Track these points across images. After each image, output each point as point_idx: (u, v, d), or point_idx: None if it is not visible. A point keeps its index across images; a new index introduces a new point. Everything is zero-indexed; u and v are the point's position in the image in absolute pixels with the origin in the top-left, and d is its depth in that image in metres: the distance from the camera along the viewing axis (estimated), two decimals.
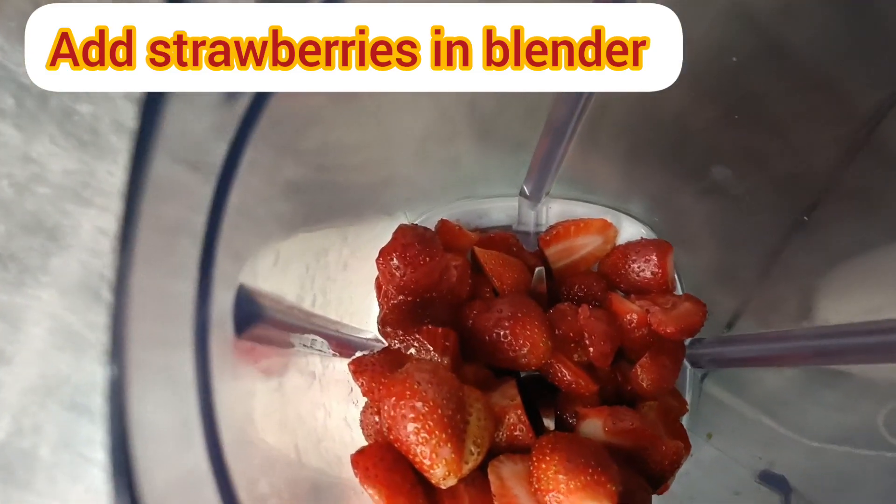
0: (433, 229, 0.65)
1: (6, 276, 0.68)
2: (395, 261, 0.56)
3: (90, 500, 0.66)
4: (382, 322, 0.58)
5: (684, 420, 0.64)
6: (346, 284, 0.56)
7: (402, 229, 0.58)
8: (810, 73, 0.48)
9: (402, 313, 0.59)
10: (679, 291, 0.67)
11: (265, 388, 0.37)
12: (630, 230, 0.68)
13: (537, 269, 0.64)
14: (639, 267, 0.64)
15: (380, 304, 0.62)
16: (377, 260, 0.56)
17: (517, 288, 0.62)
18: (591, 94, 0.51)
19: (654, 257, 0.64)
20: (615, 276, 0.66)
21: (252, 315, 0.31)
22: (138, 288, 0.22)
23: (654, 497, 0.55)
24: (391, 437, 0.48)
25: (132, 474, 0.22)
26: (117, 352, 0.22)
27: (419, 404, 0.47)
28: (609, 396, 0.62)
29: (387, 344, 0.57)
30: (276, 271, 0.39)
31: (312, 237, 0.49)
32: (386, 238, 0.57)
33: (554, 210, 0.68)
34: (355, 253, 0.57)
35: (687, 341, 0.64)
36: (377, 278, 0.62)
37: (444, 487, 0.48)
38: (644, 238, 0.67)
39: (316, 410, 0.48)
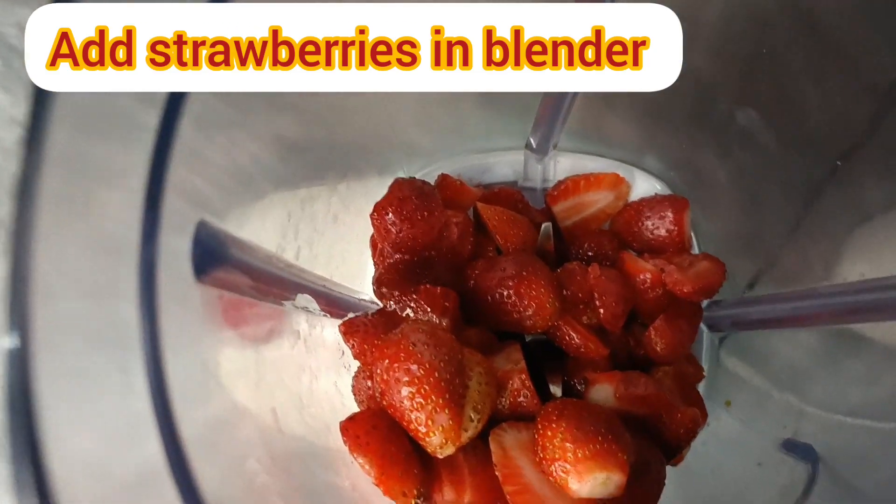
0: (433, 183, 0.60)
1: None
2: (391, 216, 0.52)
3: None
4: (378, 282, 0.55)
5: (701, 388, 0.60)
6: (336, 239, 0.52)
7: (398, 182, 0.54)
8: (841, 26, 0.44)
9: (398, 273, 0.55)
10: (696, 251, 0.62)
11: (237, 345, 0.34)
12: (644, 186, 0.63)
13: (544, 226, 0.60)
14: (653, 224, 0.60)
15: (375, 264, 0.58)
16: (371, 215, 0.52)
17: (523, 246, 0.58)
18: None
19: (669, 214, 0.59)
20: (628, 235, 0.62)
21: (215, 255, 0.27)
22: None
23: (671, 470, 0.52)
24: (384, 402, 0.45)
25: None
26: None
27: (414, 367, 0.43)
28: (621, 362, 0.58)
29: (382, 306, 0.53)
30: (253, 215, 0.35)
31: (298, 184, 0.44)
32: (381, 193, 0.53)
33: (563, 165, 0.64)
34: (347, 206, 0.53)
35: (704, 303, 0.60)
36: (372, 236, 0.58)
37: (440, 456, 0.44)
38: (659, 194, 0.63)
39: (300, 374, 0.44)
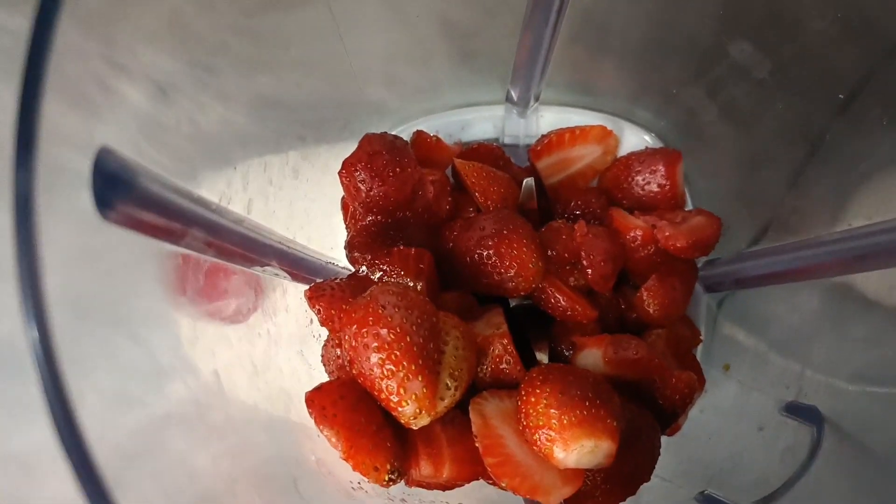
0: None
1: None
2: (361, 173, 0.49)
3: None
4: (349, 246, 0.51)
5: (698, 353, 0.57)
6: (298, 196, 0.48)
7: (368, 138, 0.50)
8: None
9: (371, 235, 0.51)
10: (689, 208, 0.58)
11: (163, 299, 0.30)
12: (633, 139, 0.59)
13: (525, 181, 0.56)
14: (644, 179, 0.56)
15: (347, 228, 0.54)
16: (340, 172, 0.49)
17: (504, 205, 0.54)
18: None
19: (661, 167, 0.56)
20: (617, 191, 0.58)
21: (121, 185, 0.23)
22: None
23: (667, 440, 0.48)
24: (354, 371, 0.41)
25: None
26: None
27: (384, 331, 0.40)
28: (611, 326, 0.54)
29: (354, 271, 0.49)
30: (183, 157, 0.31)
31: (240, 127, 0.40)
32: (350, 151, 0.49)
33: (546, 119, 0.60)
34: (312, 161, 0.49)
35: (700, 262, 0.56)
36: (343, 198, 0.54)
37: (415, 428, 0.41)
38: (649, 147, 0.59)
39: (255, 338, 0.40)
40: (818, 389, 0.46)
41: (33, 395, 0.21)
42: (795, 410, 0.44)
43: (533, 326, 0.54)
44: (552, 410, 0.39)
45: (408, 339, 0.40)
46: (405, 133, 0.59)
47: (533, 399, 0.41)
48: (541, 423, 0.40)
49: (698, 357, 0.56)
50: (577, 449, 0.39)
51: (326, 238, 0.53)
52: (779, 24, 0.44)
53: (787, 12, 0.43)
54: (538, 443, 0.40)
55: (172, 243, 0.29)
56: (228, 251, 0.35)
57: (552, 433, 0.39)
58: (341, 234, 0.54)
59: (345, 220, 0.54)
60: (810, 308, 0.52)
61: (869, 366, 0.46)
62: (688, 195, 0.58)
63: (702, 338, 0.56)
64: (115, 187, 0.23)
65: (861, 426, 0.43)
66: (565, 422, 0.39)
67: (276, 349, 0.42)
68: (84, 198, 0.21)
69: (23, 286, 0.19)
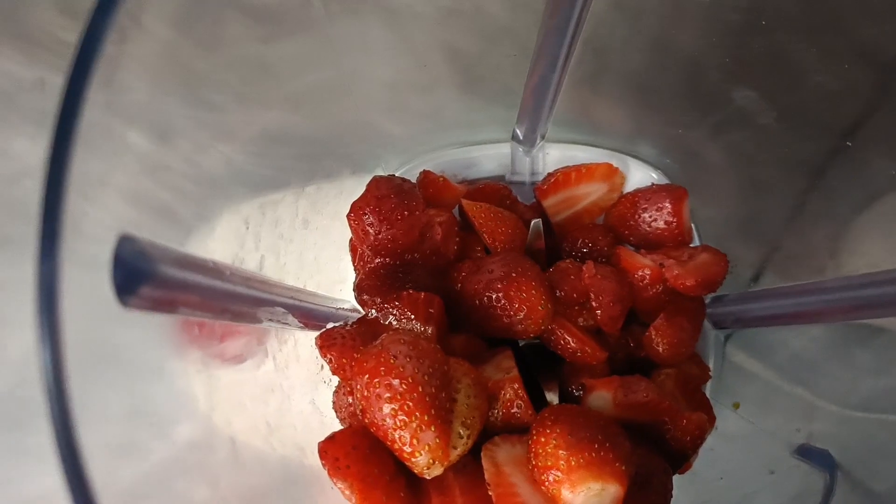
0: (414, 181, 0.57)
1: None
2: (369, 216, 0.49)
3: None
4: (358, 289, 0.51)
5: (707, 389, 0.57)
6: (308, 246, 0.49)
7: (376, 181, 0.51)
8: None
9: (380, 278, 0.51)
10: (696, 243, 0.59)
11: (181, 373, 0.30)
12: (639, 175, 0.60)
13: (533, 222, 0.56)
14: (650, 216, 0.56)
15: (356, 270, 0.54)
16: (348, 216, 0.49)
17: (512, 245, 0.54)
18: (583, 11, 0.43)
19: (667, 204, 0.56)
20: (624, 229, 0.58)
21: (141, 274, 0.23)
22: None
23: (677, 478, 0.48)
24: (366, 420, 0.41)
25: None
26: None
27: (396, 381, 0.40)
28: (620, 365, 0.54)
29: (364, 314, 0.50)
30: (197, 224, 0.31)
31: (255, 187, 0.41)
32: (357, 193, 0.49)
33: (552, 156, 0.60)
34: (320, 209, 0.49)
35: (707, 299, 0.57)
36: (351, 240, 0.54)
37: (428, 477, 0.41)
38: (655, 184, 0.59)
39: (267, 395, 0.40)
40: (828, 427, 0.46)
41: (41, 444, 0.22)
42: (808, 454, 0.44)
43: (542, 366, 0.54)
44: (561, 451, 0.40)
45: (420, 389, 0.40)
46: (412, 173, 0.59)
47: (543, 440, 0.41)
48: (549, 464, 0.40)
49: (707, 393, 0.56)
50: (583, 491, 0.39)
51: (336, 281, 0.53)
52: (781, 73, 0.45)
53: (790, 64, 0.44)
54: (546, 483, 0.40)
55: (189, 315, 0.29)
56: (240, 313, 0.36)
57: (560, 474, 0.39)
58: (350, 275, 0.55)
59: (353, 262, 0.55)
60: (817, 336, 0.52)
61: (877, 395, 0.46)
62: (695, 231, 0.58)
63: (711, 374, 0.56)
64: (135, 278, 0.23)
65: (872, 465, 0.43)
66: (573, 463, 0.39)
67: (289, 403, 0.43)
68: (94, 251, 0.22)
69: (41, 336, 0.19)
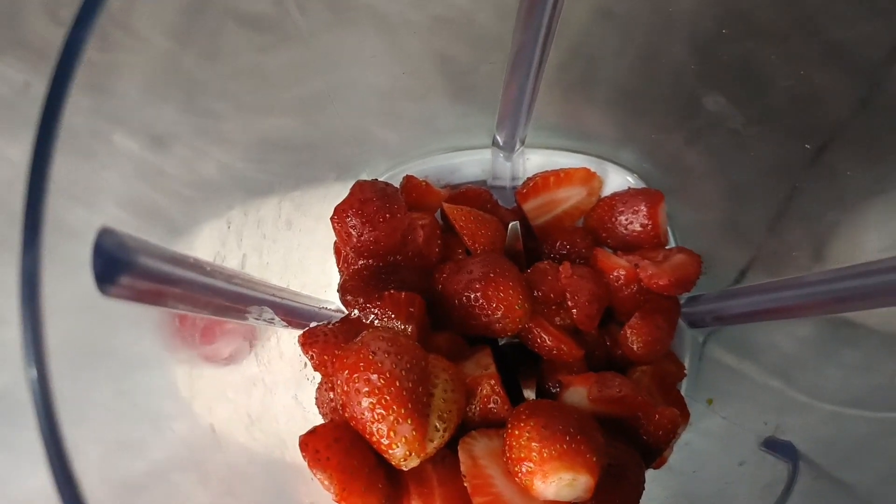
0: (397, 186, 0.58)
1: None
2: (352, 219, 0.51)
3: None
4: (342, 290, 0.53)
5: (683, 387, 0.58)
6: (293, 247, 0.50)
7: (359, 184, 0.52)
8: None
9: (363, 279, 0.53)
10: (672, 245, 0.60)
11: (164, 362, 0.32)
12: (617, 180, 0.61)
13: (511, 225, 0.58)
14: (626, 219, 0.58)
15: (340, 271, 0.56)
16: (332, 218, 0.51)
17: (492, 247, 0.56)
18: (554, 14, 0.44)
19: (643, 207, 0.57)
20: (602, 231, 0.60)
21: (120, 264, 0.25)
22: None
23: (653, 472, 0.50)
24: (346, 414, 0.43)
25: None
26: None
27: (374, 376, 0.41)
28: (597, 364, 0.56)
29: (348, 314, 0.51)
30: (180, 222, 0.33)
31: (238, 188, 0.42)
32: (342, 197, 0.51)
33: (533, 161, 0.62)
34: (305, 211, 0.51)
35: (683, 299, 0.58)
36: (336, 242, 0.56)
37: (405, 469, 0.42)
38: (632, 188, 0.61)
39: (250, 388, 0.42)
40: (796, 424, 0.48)
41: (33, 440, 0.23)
42: (773, 446, 0.46)
43: (521, 364, 0.55)
44: (534, 444, 0.41)
45: (397, 383, 0.41)
46: (396, 178, 0.60)
47: (517, 432, 0.42)
48: (522, 456, 0.41)
49: (683, 391, 0.58)
50: (555, 481, 0.40)
51: (321, 282, 0.55)
52: (749, 80, 0.46)
53: (756, 70, 0.45)
54: (520, 474, 0.42)
55: (170, 308, 0.31)
56: (224, 308, 0.37)
57: (532, 465, 0.41)
58: (335, 277, 0.56)
59: (338, 264, 0.56)
60: (801, 336, 0.54)
61: (856, 393, 0.47)
62: (670, 233, 0.60)
63: (686, 372, 0.58)
64: (115, 267, 0.24)
65: (843, 459, 0.45)
66: (545, 455, 0.41)
67: (272, 397, 0.44)
68: (85, 252, 0.23)
69: (25, 336, 0.20)
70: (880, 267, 0.38)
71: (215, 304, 0.35)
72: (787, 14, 0.45)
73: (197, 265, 0.33)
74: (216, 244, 0.38)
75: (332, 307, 0.55)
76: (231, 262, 0.39)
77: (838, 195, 0.49)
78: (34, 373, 0.20)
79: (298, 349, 0.47)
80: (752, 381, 0.57)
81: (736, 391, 0.57)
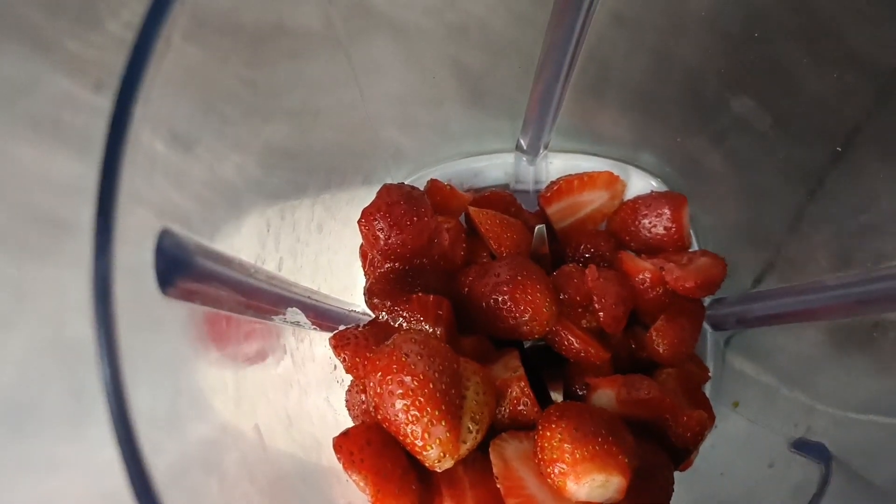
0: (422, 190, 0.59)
1: None
2: (379, 222, 0.51)
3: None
4: (369, 293, 0.53)
5: (707, 389, 0.58)
6: (322, 250, 0.51)
7: (386, 188, 0.53)
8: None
9: (390, 282, 0.53)
10: (695, 248, 0.61)
11: (216, 365, 0.32)
12: (640, 183, 0.62)
13: (537, 228, 0.58)
14: (650, 222, 0.58)
15: (366, 275, 0.56)
16: (359, 221, 0.51)
17: (517, 251, 0.56)
18: (584, 26, 0.45)
19: (666, 211, 0.58)
20: (625, 234, 0.60)
21: (181, 266, 0.25)
22: None
23: (679, 475, 0.50)
24: (379, 416, 0.43)
25: None
26: None
27: (408, 378, 0.42)
28: (623, 365, 0.56)
29: (374, 317, 0.51)
30: (226, 227, 0.33)
31: (277, 194, 0.43)
32: (368, 200, 0.51)
33: (555, 165, 0.63)
34: (333, 215, 0.51)
35: (706, 301, 0.58)
36: (361, 245, 0.56)
37: (439, 470, 0.43)
38: (655, 191, 0.61)
39: (287, 390, 0.42)
40: (826, 423, 0.48)
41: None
42: (803, 447, 0.46)
43: (547, 366, 0.55)
44: (566, 445, 0.41)
45: (431, 385, 0.42)
46: (420, 182, 0.61)
47: (549, 434, 0.43)
48: (555, 457, 0.42)
49: (707, 393, 0.58)
50: (588, 482, 0.41)
51: (347, 286, 0.55)
52: (779, 80, 0.46)
53: (787, 70, 0.46)
54: (552, 476, 0.42)
55: (218, 308, 0.31)
56: (264, 310, 0.38)
57: (565, 467, 0.41)
58: (360, 280, 0.57)
59: (363, 267, 0.57)
60: (817, 340, 0.54)
61: (876, 396, 0.48)
62: (693, 236, 0.60)
63: (710, 374, 0.58)
64: (174, 267, 0.25)
65: (868, 461, 0.45)
66: (578, 456, 0.41)
67: (306, 398, 0.44)
68: (130, 256, 0.23)
69: (99, 340, 0.21)
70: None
71: (255, 305, 0.36)
72: (809, 15, 0.45)
73: (242, 266, 0.33)
74: (257, 247, 0.38)
75: (359, 310, 0.56)
76: (269, 265, 0.40)
77: (861, 197, 0.49)
78: (108, 374, 0.20)
79: (328, 352, 0.48)
80: (774, 382, 0.57)
81: (760, 393, 0.57)
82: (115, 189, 0.21)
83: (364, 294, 0.54)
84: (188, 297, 0.27)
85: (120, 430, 0.20)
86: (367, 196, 0.52)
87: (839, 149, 0.45)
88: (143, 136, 0.24)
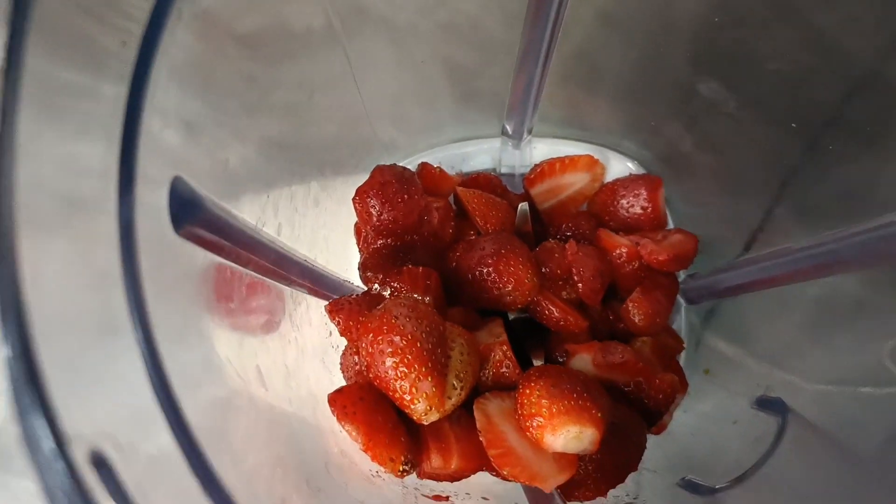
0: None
1: None
2: (372, 199, 0.54)
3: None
4: (363, 267, 0.57)
5: (682, 360, 0.62)
6: (319, 224, 0.54)
7: (379, 168, 0.56)
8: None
9: (382, 257, 0.57)
10: (670, 227, 0.64)
11: (218, 307, 0.35)
12: (618, 167, 0.65)
13: (520, 206, 0.62)
14: (628, 202, 0.62)
15: (360, 251, 0.60)
16: (353, 199, 0.54)
17: (502, 227, 0.60)
18: (560, 11, 0.48)
19: (643, 192, 0.61)
20: (605, 214, 0.64)
21: (192, 209, 0.29)
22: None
23: (655, 437, 0.53)
24: (371, 375, 0.46)
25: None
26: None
27: (397, 338, 0.45)
28: (602, 337, 0.59)
29: (367, 289, 0.55)
30: (228, 186, 0.37)
31: (275, 167, 0.47)
32: (362, 181, 0.55)
33: (539, 150, 0.66)
34: (329, 193, 0.55)
35: (680, 277, 0.62)
36: (356, 223, 0.60)
37: (425, 423, 0.46)
38: (633, 174, 0.65)
39: (286, 346, 0.46)
40: (785, 386, 0.51)
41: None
42: (764, 404, 0.49)
43: (530, 337, 0.59)
44: (543, 400, 0.45)
45: (418, 344, 0.45)
46: (412, 165, 0.65)
47: (528, 391, 0.46)
48: (533, 412, 0.45)
49: (682, 363, 0.61)
50: (563, 434, 0.44)
51: (342, 262, 0.59)
52: (739, 64, 0.50)
53: (746, 54, 0.49)
54: (531, 429, 0.45)
55: (223, 258, 0.34)
56: (265, 268, 0.41)
57: (542, 420, 0.45)
58: (355, 258, 0.60)
59: (358, 243, 0.60)
60: (796, 321, 0.57)
61: (844, 372, 0.50)
62: (669, 216, 0.64)
63: (685, 346, 0.62)
64: (186, 210, 0.28)
65: (824, 416, 0.48)
66: (554, 410, 0.44)
67: (303, 357, 0.48)
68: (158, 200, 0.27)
69: (129, 298, 0.24)
70: (858, 230, 0.42)
71: (257, 262, 0.39)
72: (773, 2, 0.48)
73: (247, 224, 0.37)
74: (257, 211, 0.42)
75: (354, 284, 0.59)
76: (269, 230, 0.43)
77: (834, 179, 0.52)
78: (141, 337, 0.23)
79: (324, 318, 0.51)
80: (746, 356, 0.60)
81: (731, 364, 0.60)
82: (137, 135, 0.25)
83: (358, 269, 0.57)
84: (198, 241, 0.30)
85: (144, 346, 0.24)
86: (362, 178, 0.55)
87: (793, 125, 0.48)
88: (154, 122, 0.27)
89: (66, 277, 0.22)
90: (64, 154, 0.23)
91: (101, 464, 0.21)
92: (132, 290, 0.25)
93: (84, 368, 0.22)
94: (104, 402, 0.22)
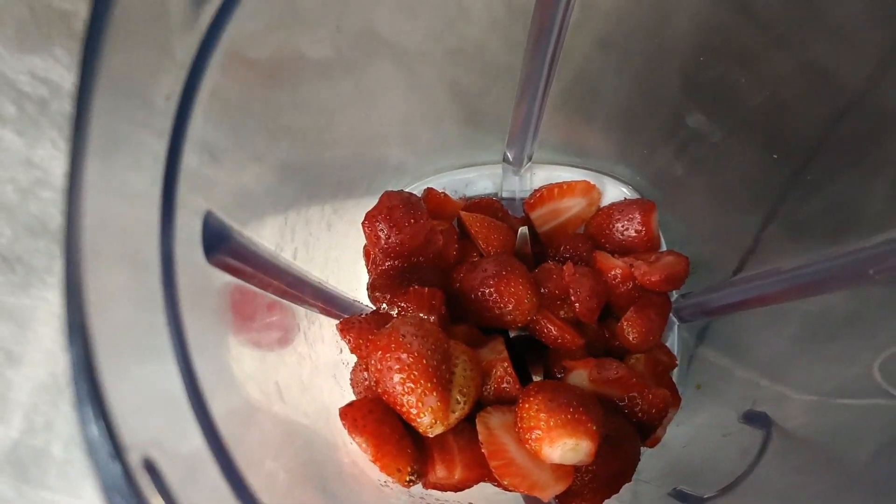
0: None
1: (13, 278, 0.67)
2: (381, 223, 0.57)
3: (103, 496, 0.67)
4: (371, 287, 0.60)
5: (675, 375, 0.65)
6: (331, 246, 0.57)
7: (387, 194, 0.59)
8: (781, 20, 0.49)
9: (390, 278, 0.60)
10: (664, 249, 0.67)
11: (242, 326, 0.39)
12: (614, 192, 0.69)
13: (520, 229, 0.65)
14: (622, 226, 0.65)
15: (369, 272, 0.63)
16: (363, 223, 0.58)
17: (503, 250, 0.63)
18: (557, 49, 0.52)
19: (637, 216, 0.65)
20: (601, 237, 0.67)
21: (222, 239, 0.32)
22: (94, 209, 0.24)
23: (650, 451, 0.56)
24: (379, 390, 0.49)
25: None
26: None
27: (404, 356, 0.48)
28: (598, 354, 0.62)
29: (375, 309, 0.58)
30: (251, 213, 0.40)
31: (292, 190, 0.50)
32: (372, 205, 0.58)
33: (539, 176, 0.69)
34: (341, 216, 0.58)
35: (674, 297, 0.65)
36: (365, 246, 0.63)
37: (431, 435, 0.49)
38: (627, 198, 0.68)
39: (302, 361, 0.49)
40: (774, 399, 0.54)
41: None
42: (751, 418, 0.52)
43: (530, 354, 0.62)
44: (542, 414, 0.48)
45: (424, 361, 0.48)
46: (418, 190, 0.68)
47: (527, 405, 0.49)
48: (532, 425, 0.48)
49: (675, 379, 0.64)
50: (560, 446, 0.47)
51: (352, 282, 0.62)
52: (722, 98, 0.53)
53: (728, 89, 0.52)
54: (530, 441, 0.48)
55: (246, 281, 0.38)
56: (282, 290, 0.44)
57: (540, 433, 0.47)
58: (364, 279, 0.63)
59: (366, 265, 0.63)
60: (789, 334, 0.59)
61: (834, 384, 0.53)
62: (662, 239, 0.67)
63: (677, 362, 0.65)
64: (217, 240, 0.32)
65: (814, 427, 0.50)
66: (551, 423, 0.47)
67: (317, 373, 0.51)
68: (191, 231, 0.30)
69: (168, 314, 0.27)
70: (846, 251, 0.45)
71: (276, 285, 0.43)
72: (759, 36, 0.50)
73: (268, 251, 0.40)
74: (276, 235, 0.45)
75: (363, 304, 0.62)
76: (286, 254, 0.46)
77: (821, 200, 0.53)
78: (179, 354, 0.27)
79: (335, 336, 0.54)
80: (738, 377, 0.63)
81: (722, 381, 0.63)
82: (176, 180, 0.28)
83: (367, 289, 0.60)
84: (226, 269, 0.33)
85: (182, 362, 0.27)
86: (371, 202, 0.58)
87: (774, 156, 0.51)
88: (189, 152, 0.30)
89: (120, 302, 0.25)
90: (118, 188, 0.26)
91: (150, 467, 0.24)
92: (171, 313, 0.28)
93: (135, 382, 0.25)
94: (151, 412, 0.26)
